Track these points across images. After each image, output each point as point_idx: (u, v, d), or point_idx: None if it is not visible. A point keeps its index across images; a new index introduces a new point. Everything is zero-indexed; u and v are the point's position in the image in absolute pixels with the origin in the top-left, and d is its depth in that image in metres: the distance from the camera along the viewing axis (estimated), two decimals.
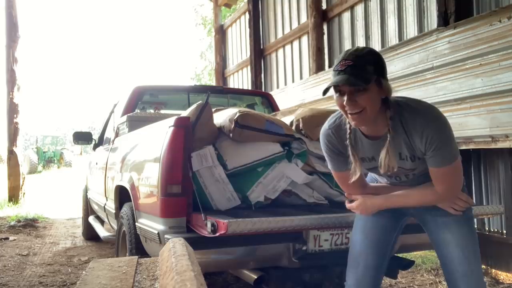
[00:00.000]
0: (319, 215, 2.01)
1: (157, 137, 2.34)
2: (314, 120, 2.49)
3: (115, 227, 3.20)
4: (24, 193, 8.48)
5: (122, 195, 2.99)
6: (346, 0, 5.63)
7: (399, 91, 3.78)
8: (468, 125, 3.33)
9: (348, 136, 1.60)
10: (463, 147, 3.35)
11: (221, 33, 10.13)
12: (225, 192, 2.25)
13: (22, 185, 8.42)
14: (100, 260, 1.39)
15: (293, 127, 2.56)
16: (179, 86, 4.23)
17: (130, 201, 2.66)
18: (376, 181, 1.84)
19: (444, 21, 3.83)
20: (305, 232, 2.09)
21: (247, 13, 8.52)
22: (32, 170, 20.69)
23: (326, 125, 1.69)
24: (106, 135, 4.50)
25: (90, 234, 5.16)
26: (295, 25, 7.06)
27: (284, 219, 1.90)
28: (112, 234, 3.63)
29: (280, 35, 7.57)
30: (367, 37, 5.31)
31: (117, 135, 3.67)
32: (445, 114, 1.56)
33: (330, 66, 5.88)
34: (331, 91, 1.49)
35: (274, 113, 3.35)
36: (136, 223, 2.47)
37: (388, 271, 1.91)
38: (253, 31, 8.19)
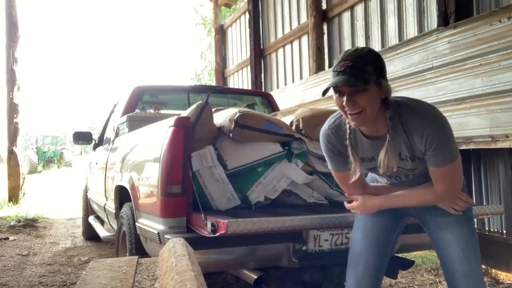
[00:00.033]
0: (319, 215, 2.01)
1: (157, 137, 2.34)
2: (314, 120, 2.49)
3: (115, 227, 3.20)
4: (24, 193, 8.48)
5: (122, 195, 2.99)
6: (346, 0, 5.63)
7: (399, 91, 3.79)
8: (468, 125, 3.33)
9: (348, 136, 1.60)
10: (463, 147, 3.35)
11: (221, 33, 10.14)
12: (225, 192, 2.25)
13: (22, 185, 8.43)
14: (100, 260, 1.39)
15: (293, 127, 2.56)
16: (179, 86, 4.23)
17: (130, 201, 2.66)
18: (376, 181, 1.84)
19: (444, 21, 3.83)
20: (305, 232, 2.09)
21: (247, 13, 8.52)
22: (32, 170, 20.69)
23: (326, 125, 1.69)
24: (106, 135, 4.50)
25: (90, 234, 5.16)
26: (295, 25, 7.06)
27: (284, 219, 1.90)
28: (112, 234, 3.63)
29: (280, 35, 7.57)
30: (367, 37, 5.31)
31: (117, 135, 3.67)
32: (445, 114, 1.56)
33: (330, 66, 5.88)
34: (331, 91, 1.49)
35: (274, 113, 3.35)
36: (136, 223, 2.47)
37: (388, 271, 1.91)
38: (253, 31, 8.19)
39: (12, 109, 8.28)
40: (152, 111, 4.17)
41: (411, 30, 4.58)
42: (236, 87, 9.10)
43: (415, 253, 3.88)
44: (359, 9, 5.45)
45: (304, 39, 6.80)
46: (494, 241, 3.58)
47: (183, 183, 2.10)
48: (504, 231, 3.57)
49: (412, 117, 1.50)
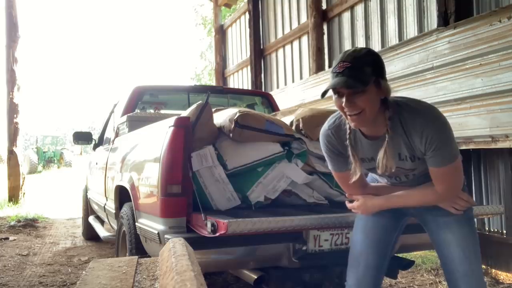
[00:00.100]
0: (319, 215, 2.01)
1: (157, 137, 2.34)
2: (314, 120, 2.49)
3: (115, 227, 3.20)
4: (24, 193, 8.48)
5: (122, 195, 2.99)
6: (346, 0, 5.63)
7: (399, 91, 3.79)
8: (468, 125, 3.33)
9: (348, 136, 1.60)
10: (463, 147, 3.35)
11: (221, 33, 10.14)
12: (225, 192, 2.25)
13: (22, 185, 8.43)
14: (100, 260, 1.39)
15: (293, 127, 2.56)
16: (179, 86, 4.23)
17: (130, 201, 2.66)
18: (377, 181, 1.84)
19: (444, 21, 3.83)
20: (305, 232, 2.09)
21: (247, 13, 8.52)
22: (32, 170, 20.69)
23: (325, 126, 1.69)
24: (106, 135, 4.50)
25: (90, 234, 5.16)
26: (295, 25, 7.06)
27: (284, 219, 1.90)
28: (112, 234, 3.63)
29: (280, 35, 7.57)
30: (367, 37, 5.31)
31: (117, 135, 3.67)
32: (445, 114, 1.56)
33: (330, 66, 5.88)
34: (330, 92, 1.49)
35: (274, 113, 3.35)
36: (136, 223, 2.47)
37: (388, 271, 1.91)
38: (253, 31, 8.19)
39: (12, 109, 8.28)
40: (152, 111, 4.17)
41: (411, 30, 4.58)
42: (236, 87, 9.10)
43: (415, 253, 3.88)
44: (359, 9, 5.45)
45: (304, 39, 6.80)
46: (494, 241, 3.58)
47: (183, 183, 2.10)
48: (504, 231, 3.57)
49: (412, 117, 1.50)
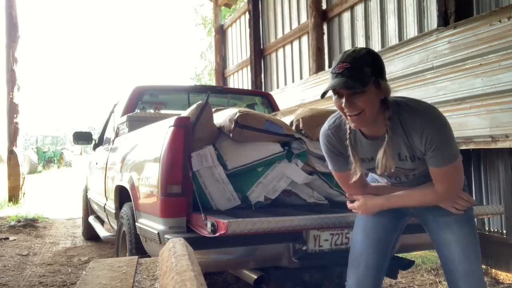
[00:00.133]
0: (319, 215, 2.01)
1: (157, 137, 2.34)
2: (314, 120, 2.49)
3: (115, 227, 3.20)
4: (24, 193, 8.48)
5: (122, 195, 2.99)
6: (346, 0, 5.63)
7: (399, 91, 3.79)
8: (468, 125, 3.33)
9: (348, 136, 1.60)
10: (463, 147, 3.35)
11: (221, 33, 10.14)
12: (225, 192, 2.25)
13: (22, 185, 8.43)
14: (100, 260, 1.39)
15: (293, 127, 2.56)
16: (179, 86, 4.23)
17: (130, 201, 2.66)
18: (377, 182, 1.84)
19: (444, 21, 3.83)
20: (305, 232, 2.09)
21: (247, 13, 8.52)
22: (32, 170, 20.69)
23: (325, 126, 1.69)
24: (106, 135, 4.50)
25: (90, 234, 5.16)
26: (295, 25, 7.06)
27: (284, 219, 1.90)
28: (112, 234, 3.63)
29: (280, 35, 7.57)
30: (367, 37, 5.31)
31: (117, 135, 3.67)
32: (445, 114, 1.56)
33: (330, 66, 5.88)
34: (330, 92, 1.49)
35: (274, 113, 3.35)
36: (136, 223, 2.47)
37: (388, 271, 1.91)
38: (253, 31, 8.19)
39: (12, 109, 8.28)
40: (152, 111, 4.17)
41: (411, 30, 4.58)
42: (236, 87, 9.10)
43: (415, 253, 3.88)
44: (359, 9, 5.45)
45: (304, 39, 6.80)
46: (494, 241, 3.58)
47: (183, 183, 2.10)
48: (504, 231, 3.57)
49: (412, 117, 1.50)
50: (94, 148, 4.90)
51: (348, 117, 1.49)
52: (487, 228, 3.73)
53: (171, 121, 2.21)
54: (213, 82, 14.11)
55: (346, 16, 5.72)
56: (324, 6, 6.16)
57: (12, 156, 8.30)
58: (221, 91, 4.33)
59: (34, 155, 22.43)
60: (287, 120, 2.65)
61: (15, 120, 8.29)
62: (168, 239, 1.78)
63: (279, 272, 2.16)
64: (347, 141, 1.60)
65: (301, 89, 5.95)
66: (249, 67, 8.51)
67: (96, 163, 4.40)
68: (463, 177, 1.61)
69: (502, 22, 3.06)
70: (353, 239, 1.83)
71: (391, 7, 4.88)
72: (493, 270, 3.59)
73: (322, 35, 6.15)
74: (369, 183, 1.80)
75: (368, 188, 1.75)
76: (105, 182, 3.68)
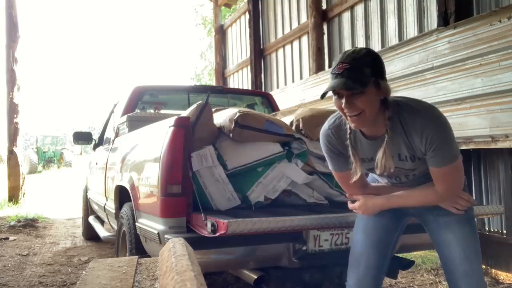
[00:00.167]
0: (319, 215, 2.01)
1: (157, 137, 2.34)
2: (314, 120, 2.49)
3: (115, 227, 3.20)
4: (24, 193, 8.48)
5: (122, 195, 2.99)
6: (346, 0, 5.63)
7: (399, 91, 3.79)
8: (468, 125, 3.33)
9: (348, 136, 1.60)
10: (463, 147, 3.35)
11: (221, 33, 10.14)
12: (225, 192, 2.25)
13: (22, 185, 8.42)
14: (100, 260, 1.39)
15: (293, 127, 2.56)
16: (179, 86, 4.23)
17: (130, 201, 2.66)
18: (377, 182, 1.84)
19: (444, 21, 3.83)
20: (305, 232, 2.09)
21: (247, 13, 8.52)
22: (32, 170, 20.69)
23: (325, 126, 1.69)
24: (106, 135, 4.50)
25: (90, 234, 5.16)
26: (295, 25, 7.06)
27: (284, 219, 1.90)
28: (112, 234, 3.63)
29: (280, 35, 7.57)
30: (367, 37, 5.31)
31: (117, 135, 3.67)
32: (445, 114, 1.56)
33: (330, 66, 5.88)
34: (330, 92, 1.49)
35: (274, 113, 3.35)
36: (136, 223, 2.47)
37: (388, 271, 1.91)
38: (253, 31, 8.19)
39: (12, 109, 8.28)
40: (152, 111, 4.17)
41: (411, 30, 4.58)
42: (236, 87, 9.10)
43: (415, 253, 3.88)
44: (359, 9, 5.45)
45: (304, 39, 6.80)
46: (494, 241, 3.58)
47: (183, 183, 2.10)
48: (504, 231, 3.57)
49: (412, 117, 1.50)
50: (94, 148, 4.90)
51: (348, 118, 1.49)
52: (487, 228, 3.73)
53: (171, 121, 2.21)
54: (213, 82, 14.11)
55: (346, 16, 5.72)
56: (324, 6, 6.16)
57: (12, 156, 8.30)
58: (221, 91, 4.33)
59: (34, 155, 22.43)
60: (287, 120, 2.65)
61: (15, 120, 8.29)
62: (168, 239, 1.78)
63: (279, 272, 2.16)
64: (347, 141, 1.60)
65: (301, 89, 5.95)
66: (249, 67, 8.51)
67: (96, 163, 4.40)
68: (464, 177, 1.61)
69: (502, 22, 3.06)
70: (353, 239, 1.83)
71: (391, 7, 4.88)
72: (493, 270, 3.59)
73: (322, 35, 6.15)
74: (369, 183, 1.80)
75: (368, 188, 1.75)
76: (105, 182, 3.68)
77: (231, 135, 2.34)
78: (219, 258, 2.10)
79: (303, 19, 6.75)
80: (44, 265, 4.07)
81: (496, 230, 3.67)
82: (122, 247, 2.90)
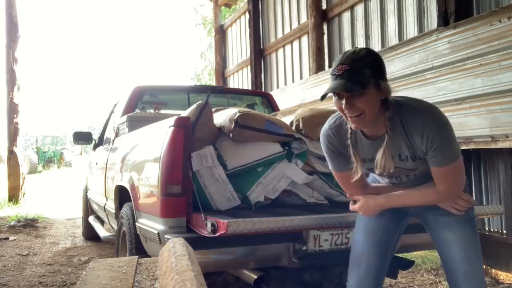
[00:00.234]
0: (319, 215, 2.01)
1: (157, 137, 2.34)
2: (314, 120, 2.49)
3: (115, 227, 3.20)
4: (24, 193, 8.48)
5: (122, 195, 2.99)
6: (346, 0, 5.63)
7: (399, 91, 3.79)
8: (468, 125, 3.33)
9: (349, 136, 1.60)
10: (463, 147, 3.35)
11: (221, 33, 10.14)
12: (225, 192, 2.25)
13: (22, 185, 8.42)
14: (100, 260, 1.39)
15: (293, 127, 2.56)
16: (179, 86, 4.23)
17: (130, 201, 2.66)
18: (377, 182, 1.84)
19: (444, 21, 3.83)
20: (305, 232, 2.09)
21: (247, 13, 8.52)
22: (32, 170, 20.69)
23: (326, 126, 1.69)
24: (106, 135, 4.50)
25: (90, 234, 5.16)
26: (295, 25, 7.06)
27: (284, 219, 1.90)
28: (112, 234, 3.63)
29: (280, 35, 7.57)
30: (367, 37, 5.31)
31: (117, 135, 3.67)
32: (445, 114, 1.56)
33: (330, 66, 5.88)
34: (330, 93, 1.49)
35: (274, 113, 3.35)
36: (136, 223, 2.47)
37: (388, 271, 1.90)
38: (253, 31, 8.19)
39: (12, 109, 8.28)
40: (152, 111, 4.17)
41: (411, 30, 4.58)
42: (236, 87, 9.10)
43: (415, 253, 3.88)
44: (359, 9, 5.45)
45: (304, 39, 6.80)
46: (494, 241, 3.58)
47: (183, 183, 2.10)
48: (504, 231, 3.57)
49: (413, 117, 1.50)
50: (94, 148, 4.90)
51: (349, 118, 1.49)
52: (487, 228, 3.73)
53: (171, 121, 2.21)
54: (213, 82, 14.11)
55: (346, 16, 5.72)
56: (324, 6, 6.16)
57: (12, 156, 8.30)
58: (221, 91, 4.33)
59: (34, 155, 22.43)
60: (287, 120, 2.65)
61: (15, 120, 8.29)
62: (168, 239, 1.78)
63: (279, 272, 2.16)
64: (348, 141, 1.60)
65: (301, 89, 5.95)
66: (249, 67, 8.51)
67: (96, 163, 4.40)
68: (465, 176, 1.61)
69: (502, 22, 3.06)
70: (354, 239, 1.83)
71: (391, 7, 4.88)
72: (493, 270, 3.59)
73: (322, 35, 6.15)
74: (370, 183, 1.80)
75: (369, 188, 1.75)
76: (105, 182, 3.68)
77: (231, 135, 2.34)
78: (219, 258, 2.10)
79: (303, 19, 6.75)
80: (44, 265, 4.07)
81: (496, 230, 3.67)
82: (122, 247, 2.90)
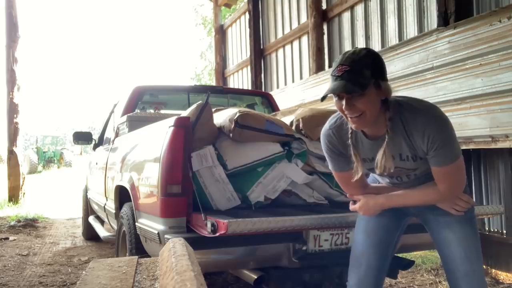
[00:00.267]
0: (319, 215, 2.01)
1: (157, 137, 2.34)
2: (314, 120, 2.49)
3: (115, 227, 3.20)
4: (24, 193, 8.48)
5: (122, 195, 2.99)
6: (346, 0, 5.63)
7: (399, 91, 3.79)
8: (468, 125, 3.33)
9: (349, 136, 1.60)
10: (463, 147, 3.35)
11: (221, 33, 10.14)
12: (225, 192, 2.25)
13: (22, 185, 8.42)
14: (100, 260, 1.39)
15: (293, 127, 2.56)
16: (179, 86, 4.23)
17: (130, 201, 2.66)
18: (378, 182, 1.84)
19: (444, 21, 3.83)
20: (305, 232, 2.09)
21: (247, 13, 8.52)
22: (32, 170, 20.69)
23: (326, 126, 1.69)
24: (106, 135, 4.50)
25: (90, 234, 5.16)
26: (295, 25, 7.06)
27: (284, 219, 1.90)
28: (112, 234, 3.63)
29: (280, 35, 7.57)
30: (367, 37, 5.31)
31: (117, 135, 3.67)
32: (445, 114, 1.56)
33: (330, 66, 5.88)
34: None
35: (274, 113, 3.35)
36: (136, 223, 2.47)
37: (388, 271, 1.91)
38: (253, 31, 8.19)
39: (12, 109, 8.28)
40: (152, 111, 4.17)
41: (411, 30, 4.58)
42: (236, 87, 9.10)
43: (415, 253, 3.88)
44: (359, 9, 5.45)
45: (304, 39, 6.80)
46: (494, 241, 3.58)
47: (183, 183, 2.10)
48: (504, 231, 3.57)
49: (413, 117, 1.50)
50: (94, 148, 4.90)
51: (349, 119, 1.49)
52: (487, 228, 3.73)
53: (171, 121, 2.21)
54: (213, 82, 14.11)
55: (346, 16, 5.72)
56: (324, 6, 6.16)
57: (12, 156, 8.30)
58: (221, 91, 4.33)
59: (34, 155, 22.43)
60: (287, 120, 2.65)
61: (15, 120, 8.29)
62: (168, 239, 1.78)
63: (279, 272, 2.16)
64: (349, 141, 1.60)
65: (301, 89, 5.95)
66: (249, 67, 8.51)
67: (96, 163, 4.40)
68: (465, 176, 1.61)
69: (502, 22, 3.06)
70: (354, 239, 1.83)
71: (391, 7, 4.88)
72: (493, 270, 3.59)
73: (322, 35, 6.15)
74: (370, 183, 1.80)
75: (369, 188, 1.75)
76: (105, 182, 3.68)
77: (231, 135, 2.34)
78: (219, 258, 2.10)
79: (303, 19, 6.75)
80: (44, 265, 4.07)
81: (496, 230, 3.67)
82: (122, 247, 2.90)
